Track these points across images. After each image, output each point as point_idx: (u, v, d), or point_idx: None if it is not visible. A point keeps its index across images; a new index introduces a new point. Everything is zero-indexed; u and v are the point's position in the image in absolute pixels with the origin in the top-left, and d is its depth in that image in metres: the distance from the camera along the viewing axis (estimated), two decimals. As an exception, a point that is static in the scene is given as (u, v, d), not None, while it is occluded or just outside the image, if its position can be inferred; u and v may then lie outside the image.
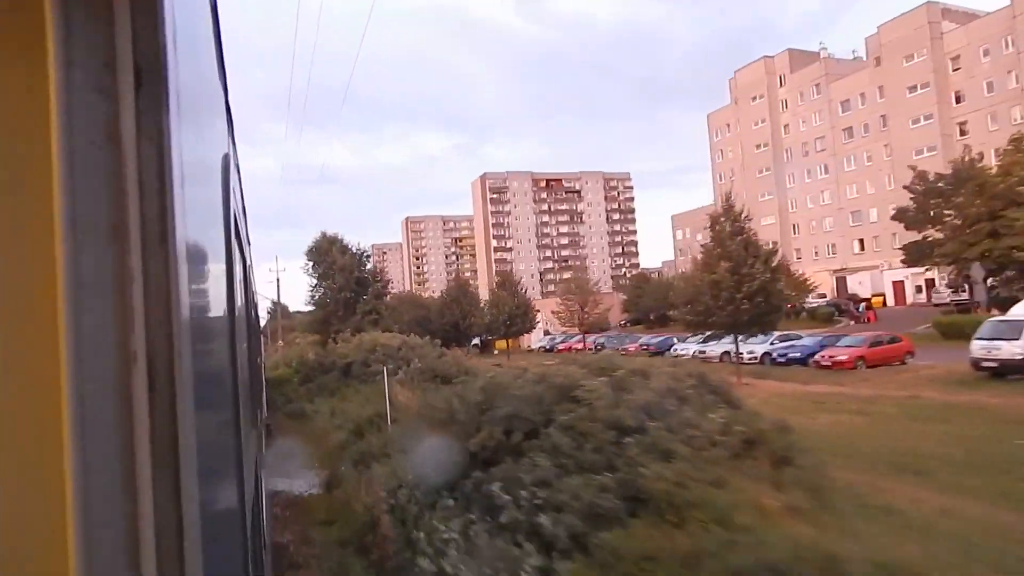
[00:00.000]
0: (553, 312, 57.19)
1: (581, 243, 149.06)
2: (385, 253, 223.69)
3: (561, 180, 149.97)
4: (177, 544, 0.67)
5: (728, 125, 79.99)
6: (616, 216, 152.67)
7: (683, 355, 34.53)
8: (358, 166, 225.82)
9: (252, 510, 2.20)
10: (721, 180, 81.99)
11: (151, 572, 0.64)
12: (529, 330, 53.04)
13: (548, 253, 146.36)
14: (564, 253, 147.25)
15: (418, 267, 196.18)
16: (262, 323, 34.11)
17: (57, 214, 0.62)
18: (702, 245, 29.95)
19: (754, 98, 75.27)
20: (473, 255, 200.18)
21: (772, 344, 30.60)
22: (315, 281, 41.65)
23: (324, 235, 41.73)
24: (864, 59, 69.31)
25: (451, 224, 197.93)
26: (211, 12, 1.35)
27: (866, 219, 63.33)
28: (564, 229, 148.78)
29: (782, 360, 30.00)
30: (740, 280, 23.41)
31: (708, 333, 36.57)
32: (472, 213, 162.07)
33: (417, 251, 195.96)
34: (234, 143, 2.51)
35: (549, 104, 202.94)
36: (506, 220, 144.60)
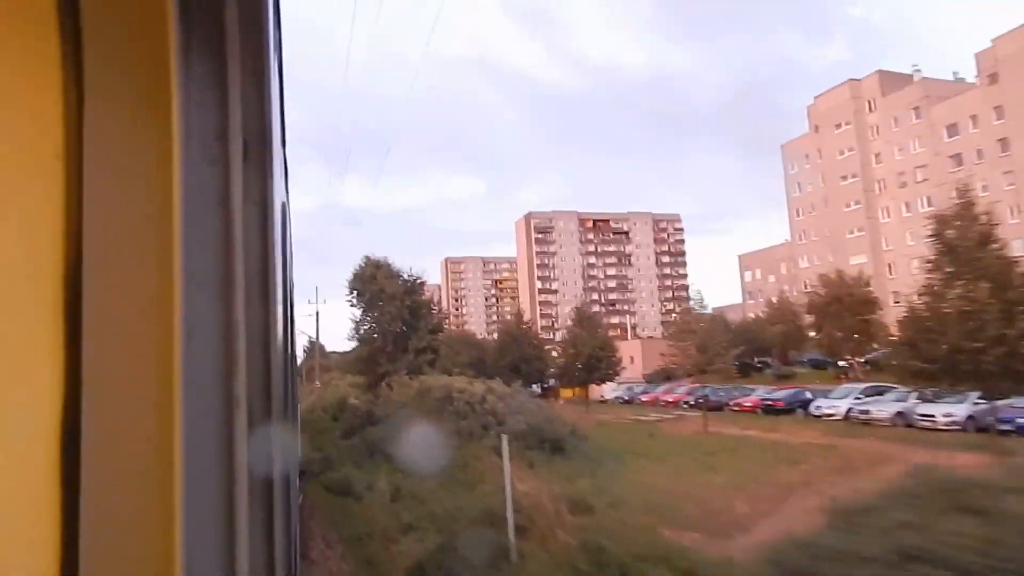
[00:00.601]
0: (664, 355, 48.75)
1: (629, 286, 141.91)
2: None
3: (608, 221, 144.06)
4: (268, 557, 0.75)
5: (807, 156, 73.02)
6: (666, 259, 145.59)
7: (831, 415, 26.79)
8: (391, 208, 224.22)
9: (295, 525, 2.69)
10: (799, 216, 74.61)
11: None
12: (613, 376, 45.66)
13: (595, 296, 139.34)
14: (612, 296, 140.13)
15: (457, 308, 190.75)
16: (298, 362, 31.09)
17: (176, 270, 0.69)
18: (930, 259, 22.34)
19: (839, 125, 68.33)
20: (514, 297, 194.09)
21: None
22: (359, 313, 35.59)
23: (369, 260, 35.75)
24: (967, 81, 62.21)
25: (491, 265, 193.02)
26: (279, 75, 1.41)
27: (982, 257, 55.02)
28: (611, 271, 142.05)
29: (1011, 428, 19.57)
30: (1010, 309, 15.76)
31: (868, 385, 28.77)
32: (514, 254, 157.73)
33: (456, 292, 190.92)
34: (287, 190, 2.57)
35: (578, 149, 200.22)
36: (551, 261, 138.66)
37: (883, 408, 24.56)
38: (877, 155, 65.32)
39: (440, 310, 38.58)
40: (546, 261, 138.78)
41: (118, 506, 0.66)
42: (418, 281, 35.79)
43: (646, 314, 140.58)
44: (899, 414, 23.59)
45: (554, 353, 52.72)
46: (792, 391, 31.56)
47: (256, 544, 0.73)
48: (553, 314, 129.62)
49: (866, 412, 24.89)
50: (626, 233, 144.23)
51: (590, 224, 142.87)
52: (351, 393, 41.21)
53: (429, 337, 34.10)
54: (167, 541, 0.66)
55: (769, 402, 30.27)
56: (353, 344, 36.85)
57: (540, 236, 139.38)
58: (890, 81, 64.92)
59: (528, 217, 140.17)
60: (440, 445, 16.54)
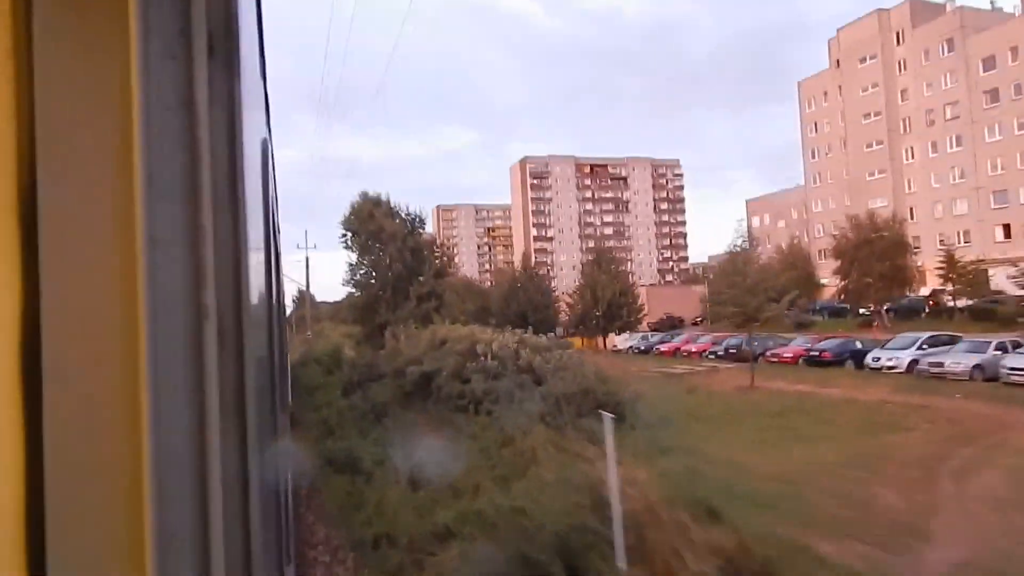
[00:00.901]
0: (703, 301, 44.13)
1: (627, 234, 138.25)
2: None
3: (606, 166, 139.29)
4: (242, 492, 0.72)
5: (826, 93, 68.71)
6: (664, 206, 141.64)
7: (892, 367, 23.72)
8: (382, 159, 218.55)
9: (285, 495, 2.45)
10: (814, 158, 70.80)
11: (218, 514, 0.67)
12: (636, 323, 42.49)
13: (591, 244, 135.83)
14: (609, 244, 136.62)
15: (450, 258, 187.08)
16: (287, 312, 30.73)
17: (136, 175, 0.65)
18: None
19: (863, 59, 63.88)
20: (507, 245, 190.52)
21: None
22: (355, 256, 31.93)
23: (366, 196, 31.90)
24: (1005, 11, 57.75)
25: (484, 213, 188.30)
26: (256, 4, 1.35)
27: (1015, 200, 51.89)
28: (609, 219, 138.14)
29: None
30: None
31: (930, 335, 25.62)
32: (507, 203, 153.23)
33: (448, 241, 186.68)
34: (270, 131, 2.62)
35: (572, 99, 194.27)
36: (547, 208, 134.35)
37: (958, 360, 21.55)
38: (904, 91, 61.20)
39: (444, 252, 34.96)
40: (542, 208, 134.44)
41: (83, 436, 0.64)
42: (418, 220, 32.12)
43: (643, 262, 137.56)
44: (978, 367, 20.59)
45: (562, 302, 49.54)
46: (840, 341, 28.35)
47: (231, 484, 0.68)
48: (549, 262, 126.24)
49: (939, 365, 21.67)
50: (624, 179, 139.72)
51: (587, 170, 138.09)
52: (345, 344, 38.23)
53: (433, 282, 30.65)
54: (134, 460, 0.64)
55: (815, 353, 27.14)
56: (348, 291, 33.39)
57: (536, 182, 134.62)
58: (921, 11, 60.26)
59: (523, 162, 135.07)
60: (468, 411, 13.37)
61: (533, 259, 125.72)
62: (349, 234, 31.81)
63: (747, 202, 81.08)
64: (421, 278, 30.00)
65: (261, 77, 1.79)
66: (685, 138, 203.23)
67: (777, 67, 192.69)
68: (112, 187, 0.66)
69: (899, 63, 61.50)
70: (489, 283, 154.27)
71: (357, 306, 32.26)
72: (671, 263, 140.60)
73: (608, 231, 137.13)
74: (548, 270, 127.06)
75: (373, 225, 30.25)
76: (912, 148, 60.60)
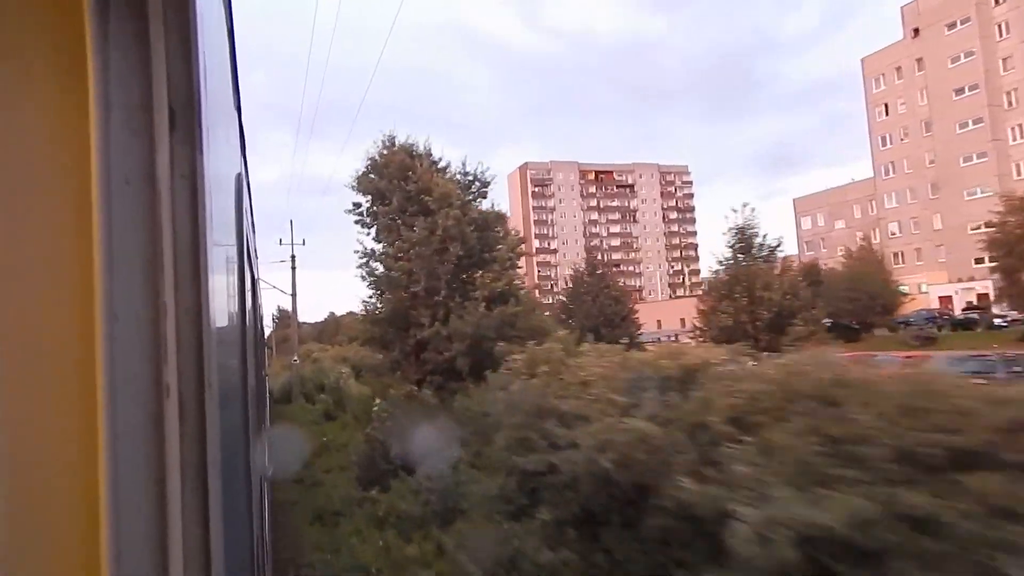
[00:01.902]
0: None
1: (634, 244, 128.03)
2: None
3: (612, 172, 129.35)
4: (204, 564, 0.69)
5: (899, 69, 59.12)
6: (673, 215, 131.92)
7: None
8: (344, 176, 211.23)
9: (258, 516, 2.30)
10: (886, 145, 60.99)
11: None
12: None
13: (597, 256, 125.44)
14: (616, 256, 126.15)
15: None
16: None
17: (95, 250, 0.64)
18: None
19: (952, 24, 54.39)
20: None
21: None
22: (371, 237, 20.49)
23: (392, 141, 20.50)
24: None
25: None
26: (228, 36, 1.34)
27: None
28: (615, 229, 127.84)
29: None
30: None
31: None
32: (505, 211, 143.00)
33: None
34: (245, 161, 2.57)
35: (548, 113, 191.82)
36: (550, 217, 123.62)
37: None
38: (1006, 60, 51.68)
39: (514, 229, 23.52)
40: (544, 217, 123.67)
41: (36, 511, 0.62)
42: (482, 178, 20.65)
43: (652, 275, 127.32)
44: None
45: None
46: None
47: (191, 544, 0.67)
48: (552, 276, 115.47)
49: None
50: (631, 186, 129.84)
51: (591, 176, 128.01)
52: (343, 374, 26.93)
53: (509, 273, 19.27)
54: (92, 546, 0.62)
55: None
56: (367, 293, 21.70)
57: (537, 189, 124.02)
58: (1021, -35, 51.05)
59: (524, 168, 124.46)
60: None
61: (536, 272, 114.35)
62: (366, 199, 20.29)
63: (795, 201, 70.99)
64: (494, 267, 18.52)
65: (236, 112, 1.78)
66: (662, 148, 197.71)
67: (749, 81, 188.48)
68: (71, 262, 0.64)
69: (999, 26, 52.01)
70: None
71: (378, 319, 20.51)
72: (682, 276, 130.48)
73: (615, 242, 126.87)
74: (552, 284, 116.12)
75: (412, 185, 18.82)
76: (1021, 126, 50.89)
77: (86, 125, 0.65)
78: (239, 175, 1.67)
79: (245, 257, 1.83)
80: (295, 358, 31.34)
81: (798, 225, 71.00)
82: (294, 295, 30.66)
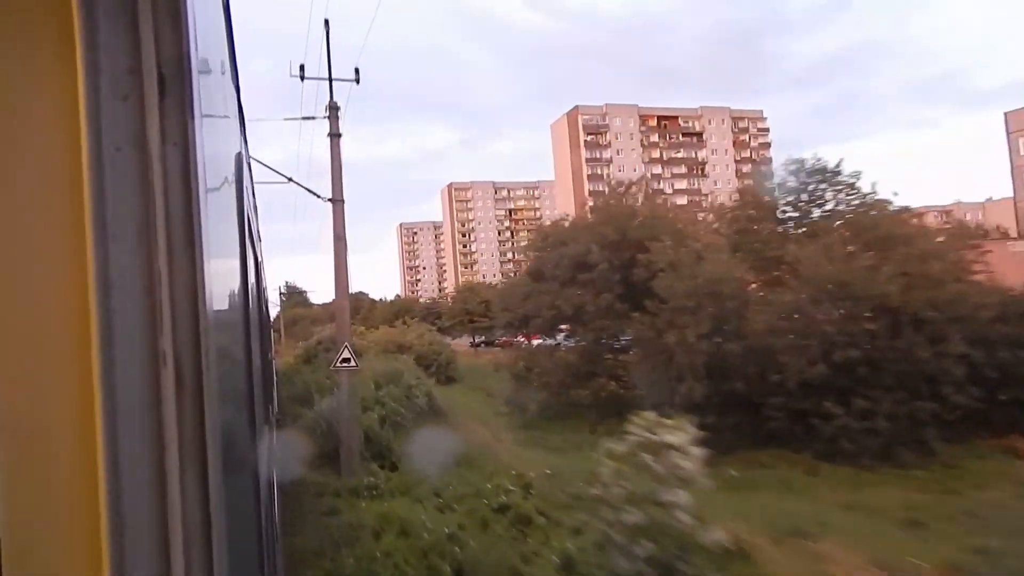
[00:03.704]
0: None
1: (703, 203, 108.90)
2: (416, 233, 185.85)
3: (677, 118, 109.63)
4: (204, 537, 0.69)
5: None
6: (747, 169, 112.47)
7: None
8: (363, 159, 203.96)
9: (266, 503, 2.25)
10: None
11: (179, 564, 0.66)
12: None
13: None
14: (684, 218, 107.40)
15: (464, 245, 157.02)
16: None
17: (87, 218, 0.64)
18: None
19: None
20: (531, 230, 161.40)
21: None
22: None
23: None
24: None
25: (504, 192, 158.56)
26: (224, 12, 1.35)
27: None
28: (681, 184, 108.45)
29: None
30: None
31: None
32: (531, 180, 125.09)
33: (463, 225, 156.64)
34: (246, 141, 2.57)
35: (553, 96, 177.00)
36: (605, 172, 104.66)
37: None
38: None
39: None
40: (598, 171, 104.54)
41: (35, 472, 0.62)
42: None
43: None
44: None
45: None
46: None
47: (192, 526, 0.67)
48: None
49: None
50: (699, 134, 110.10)
51: (653, 122, 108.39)
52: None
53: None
54: (91, 521, 0.63)
55: None
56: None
57: (590, 138, 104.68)
58: None
59: (574, 114, 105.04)
60: None
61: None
62: None
63: (1006, 115, 50.98)
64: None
65: (235, 90, 1.76)
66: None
67: (759, 60, 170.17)
68: (63, 230, 0.64)
69: None
70: (513, 274, 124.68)
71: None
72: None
73: (681, 200, 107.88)
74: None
75: None
76: None
77: (74, 91, 0.64)
78: (239, 154, 1.70)
79: (246, 236, 1.83)
80: (345, 353, 12.87)
81: (1011, 149, 51.11)
82: (338, 200, 12.44)
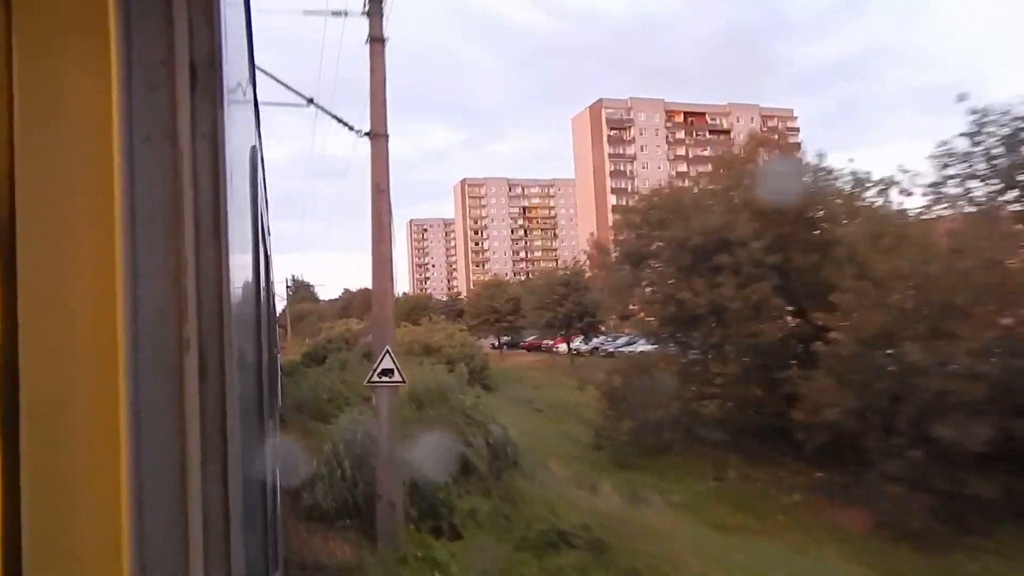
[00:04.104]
0: None
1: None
2: (425, 230, 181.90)
3: (704, 114, 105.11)
4: (223, 523, 0.70)
5: None
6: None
7: None
8: (364, 157, 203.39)
9: (271, 499, 2.34)
10: None
11: (198, 547, 0.67)
12: None
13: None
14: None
15: (476, 244, 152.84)
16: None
17: (117, 207, 0.65)
18: None
19: None
20: (546, 229, 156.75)
21: None
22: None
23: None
24: None
25: (518, 189, 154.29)
26: (244, 5, 1.39)
27: None
28: (710, 185, 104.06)
29: None
30: None
31: None
32: (546, 178, 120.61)
33: (476, 223, 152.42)
34: (260, 134, 2.53)
35: (554, 97, 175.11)
36: (629, 168, 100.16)
37: None
38: None
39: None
40: (622, 167, 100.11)
41: (62, 472, 0.63)
42: None
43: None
44: None
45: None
46: None
47: (212, 512, 0.68)
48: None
49: None
50: (726, 132, 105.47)
51: (679, 118, 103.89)
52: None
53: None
54: (113, 505, 0.63)
55: None
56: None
57: (613, 133, 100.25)
58: None
59: (597, 107, 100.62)
60: None
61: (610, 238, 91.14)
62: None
63: None
64: None
65: (251, 83, 1.77)
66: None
67: (764, 61, 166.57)
68: (93, 219, 0.65)
69: None
70: (526, 275, 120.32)
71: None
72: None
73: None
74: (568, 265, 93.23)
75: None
76: None
77: (108, 81, 0.64)
78: (254, 148, 1.70)
79: (259, 231, 1.84)
80: (387, 362, 8.42)
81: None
82: (380, 135, 8.93)
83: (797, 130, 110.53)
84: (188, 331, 0.67)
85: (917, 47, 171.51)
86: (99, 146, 0.65)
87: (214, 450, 0.69)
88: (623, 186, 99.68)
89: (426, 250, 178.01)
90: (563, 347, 41.52)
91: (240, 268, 0.97)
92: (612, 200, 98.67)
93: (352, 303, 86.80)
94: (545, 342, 46.18)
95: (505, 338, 37.36)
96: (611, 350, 36.39)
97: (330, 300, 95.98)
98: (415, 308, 59.53)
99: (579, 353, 36.58)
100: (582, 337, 36.26)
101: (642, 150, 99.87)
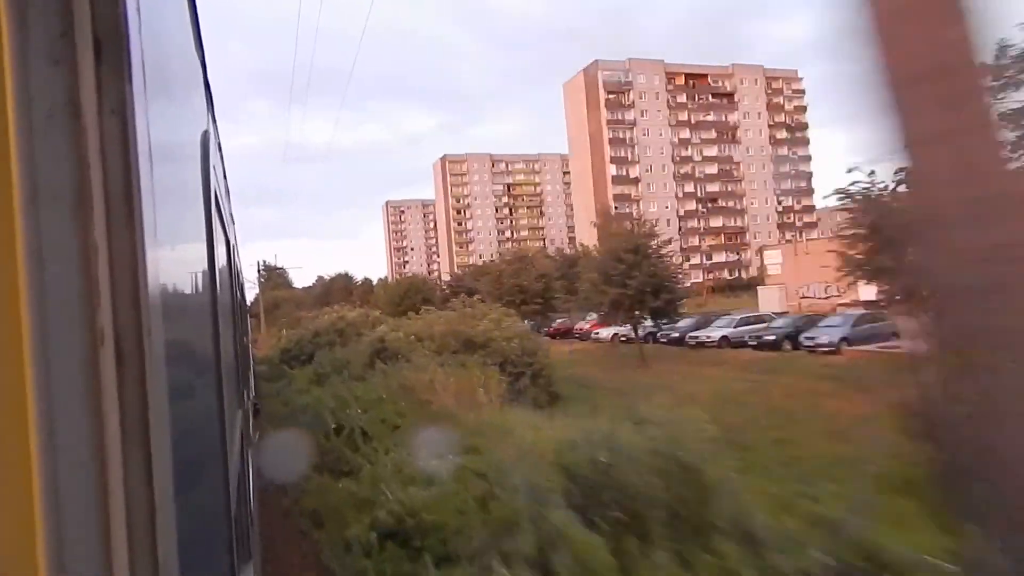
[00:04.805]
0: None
1: (735, 173, 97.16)
2: (403, 212, 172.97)
3: (706, 76, 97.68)
4: (149, 523, 0.66)
5: None
6: (781, 135, 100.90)
7: None
8: (341, 144, 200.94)
9: (237, 491, 2.21)
10: None
11: (122, 552, 0.63)
12: None
13: (689, 188, 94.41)
14: (712, 189, 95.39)
15: (459, 223, 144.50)
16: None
17: (15, 187, 0.61)
18: None
19: None
20: (532, 207, 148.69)
21: None
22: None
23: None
24: None
25: (501, 165, 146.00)
26: None
27: None
28: (711, 151, 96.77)
29: None
30: None
31: None
32: (530, 152, 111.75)
33: (459, 201, 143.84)
34: (214, 120, 2.44)
35: (532, 82, 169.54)
36: (628, 135, 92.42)
37: None
38: None
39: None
40: (620, 135, 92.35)
41: None
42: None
43: (757, 213, 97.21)
44: None
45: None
46: None
47: (136, 511, 0.64)
48: (633, 213, 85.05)
49: None
50: (730, 95, 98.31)
51: (681, 80, 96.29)
52: None
53: None
54: (25, 511, 0.59)
55: None
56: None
57: (612, 97, 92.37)
58: None
59: (592, 70, 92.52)
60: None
61: (612, 209, 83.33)
62: None
63: None
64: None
65: (200, 67, 1.71)
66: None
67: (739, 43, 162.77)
68: None
69: None
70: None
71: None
72: (793, 213, 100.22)
73: (711, 170, 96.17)
74: (633, 226, 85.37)
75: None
76: None
77: (1, 57, 0.60)
78: (205, 132, 1.66)
79: (214, 217, 1.79)
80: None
81: None
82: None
83: (803, 92, 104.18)
84: (102, 320, 0.62)
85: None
86: None
87: (136, 445, 0.64)
88: (623, 154, 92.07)
89: (404, 233, 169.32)
90: (604, 332, 33.85)
91: (177, 253, 0.93)
92: (612, 170, 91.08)
93: (332, 289, 78.62)
94: (579, 326, 38.45)
95: (529, 322, 29.79)
96: (689, 337, 29.09)
97: (305, 288, 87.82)
98: (410, 291, 51.46)
99: (629, 340, 29.14)
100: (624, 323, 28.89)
101: (642, 115, 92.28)
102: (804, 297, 37.79)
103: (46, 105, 0.62)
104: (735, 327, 27.82)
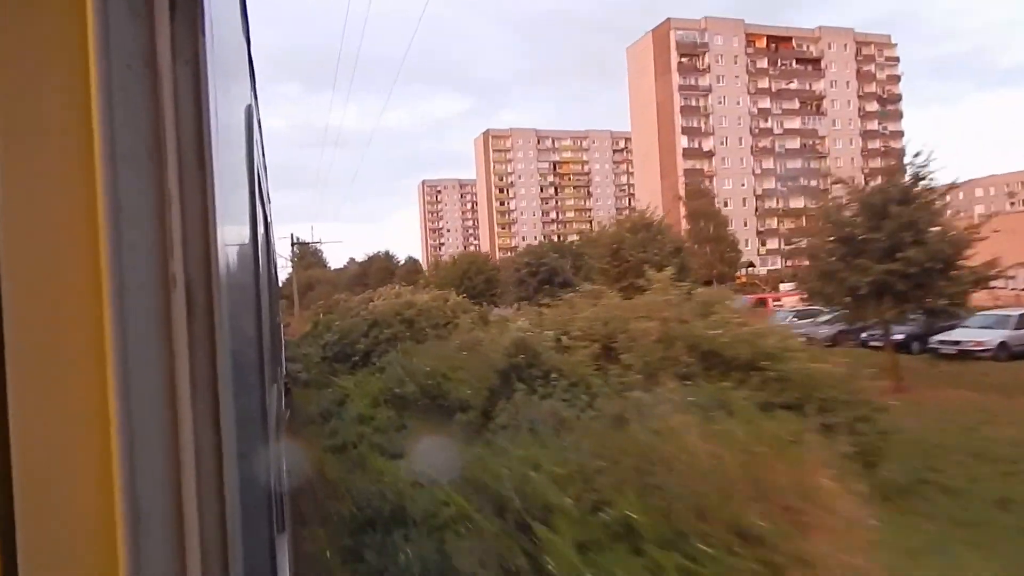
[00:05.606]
0: None
1: (819, 147, 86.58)
2: (439, 192, 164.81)
3: (791, 40, 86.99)
4: (216, 466, 0.68)
5: None
6: (872, 107, 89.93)
7: None
8: (367, 128, 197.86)
9: (274, 448, 2.22)
10: None
11: (191, 495, 0.65)
12: None
13: (769, 164, 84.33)
14: (794, 164, 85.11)
15: (502, 203, 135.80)
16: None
17: (96, 139, 0.62)
18: None
19: None
20: (579, 187, 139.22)
21: None
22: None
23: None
24: None
25: (547, 142, 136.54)
26: None
27: None
28: (793, 123, 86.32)
29: None
30: None
31: None
32: (578, 129, 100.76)
33: (501, 179, 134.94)
34: (256, 97, 2.48)
35: (559, 68, 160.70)
36: (702, 103, 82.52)
37: None
38: None
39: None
40: (694, 102, 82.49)
41: (51, 414, 0.61)
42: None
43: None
44: None
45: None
46: None
47: (203, 454, 0.67)
48: (708, 189, 75.50)
49: None
50: (816, 61, 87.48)
51: (762, 44, 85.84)
52: None
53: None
54: (101, 452, 0.62)
55: None
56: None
57: (685, 60, 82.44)
58: None
59: (664, 29, 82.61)
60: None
61: (682, 184, 73.86)
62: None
63: None
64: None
65: (245, 43, 1.73)
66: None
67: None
68: (70, 151, 0.62)
69: None
70: (556, 237, 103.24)
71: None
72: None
73: (792, 144, 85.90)
74: (707, 204, 75.34)
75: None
76: None
77: (83, 8, 0.62)
78: (249, 107, 1.66)
79: (256, 194, 1.82)
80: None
81: None
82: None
83: (896, 60, 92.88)
84: (174, 267, 0.65)
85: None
86: (77, 74, 0.62)
87: (204, 391, 0.67)
88: (695, 125, 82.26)
89: (440, 213, 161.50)
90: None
91: (234, 208, 0.94)
92: (683, 142, 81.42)
93: (370, 270, 71.34)
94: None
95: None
96: (940, 343, 20.33)
97: (337, 269, 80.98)
98: (470, 272, 43.21)
99: (867, 345, 19.98)
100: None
101: (718, 81, 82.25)
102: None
103: (124, 58, 0.63)
104: (1015, 328, 18.86)
